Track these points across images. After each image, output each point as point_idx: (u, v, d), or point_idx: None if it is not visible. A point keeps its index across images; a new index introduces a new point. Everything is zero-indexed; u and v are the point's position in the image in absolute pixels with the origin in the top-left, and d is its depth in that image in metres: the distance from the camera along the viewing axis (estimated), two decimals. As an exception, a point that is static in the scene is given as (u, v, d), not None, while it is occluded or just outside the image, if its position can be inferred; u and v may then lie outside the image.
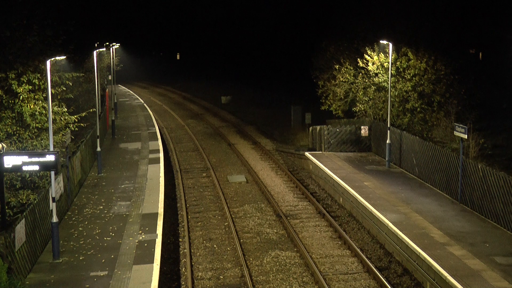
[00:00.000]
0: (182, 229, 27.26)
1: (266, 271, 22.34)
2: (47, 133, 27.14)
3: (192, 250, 24.56)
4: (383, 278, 20.81)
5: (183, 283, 21.56)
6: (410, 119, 37.00)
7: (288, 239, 25.66)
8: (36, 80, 27.33)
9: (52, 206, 21.19)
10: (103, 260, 20.96)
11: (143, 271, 19.86)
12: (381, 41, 35.47)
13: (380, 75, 37.85)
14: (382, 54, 37.58)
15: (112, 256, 21.35)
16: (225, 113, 66.82)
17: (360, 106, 39.78)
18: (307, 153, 38.03)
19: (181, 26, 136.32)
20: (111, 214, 26.43)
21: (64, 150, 27.76)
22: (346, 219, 28.31)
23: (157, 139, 46.13)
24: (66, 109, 29.81)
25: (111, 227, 24.54)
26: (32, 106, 27.10)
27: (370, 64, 38.27)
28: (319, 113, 47.57)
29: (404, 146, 33.12)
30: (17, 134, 27.36)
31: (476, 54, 56.94)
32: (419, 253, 21.19)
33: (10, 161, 19.67)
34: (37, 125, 27.47)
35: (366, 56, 38.39)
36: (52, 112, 23.33)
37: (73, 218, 25.89)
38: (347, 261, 23.02)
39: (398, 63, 37.11)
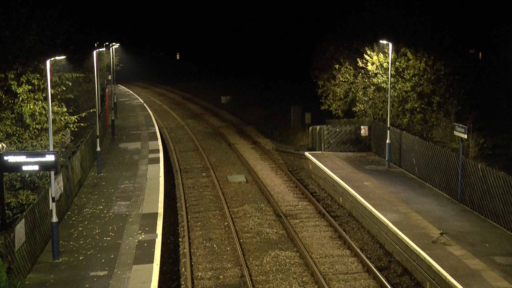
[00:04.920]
0: (182, 229, 27.26)
1: (266, 271, 22.34)
2: (47, 133, 27.13)
3: (192, 250, 24.56)
4: (383, 278, 20.81)
5: (183, 283, 21.56)
6: (409, 119, 37.00)
7: (288, 239, 25.66)
8: (36, 80, 27.31)
9: (52, 206, 21.19)
10: (103, 260, 20.96)
11: (143, 271, 19.86)
12: (380, 41, 35.48)
13: (380, 75, 37.84)
14: (382, 54, 37.57)
15: (112, 256, 21.35)
16: (225, 113, 66.83)
17: (360, 106, 39.78)
18: (307, 153, 38.03)
19: (181, 26, 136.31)
20: (111, 214, 26.43)
21: (64, 150, 27.76)
22: (346, 219, 28.31)
23: (156, 139, 46.13)
24: (66, 109, 29.79)
25: (111, 227, 24.55)
26: (31, 107, 27.08)
27: (369, 64, 38.27)
28: (319, 113, 47.56)
29: (404, 146, 33.12)
30: (17, 134, 27.34)
31: (476, 54, 56.95)
32: (419, 253, 21.19)
33: (10, 161, 19.67)
34: (37, 125, 27.44)
35: (366, 56, 38.38)
36: (52, 112, 23.33)
37: (73, 218, 25.90)
38: (347, 261, 23.02)
39: (397, 63, 37.10)
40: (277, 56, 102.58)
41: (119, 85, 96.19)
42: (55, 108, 28.34)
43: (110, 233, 23.80)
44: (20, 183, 26.81)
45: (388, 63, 35.64)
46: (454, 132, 26.71)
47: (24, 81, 27.04)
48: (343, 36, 43.75)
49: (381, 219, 24.90)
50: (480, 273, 19.38)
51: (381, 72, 37.78)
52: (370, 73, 38.65)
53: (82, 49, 45.26)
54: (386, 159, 34.00)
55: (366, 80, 39.42)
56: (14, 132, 27.28)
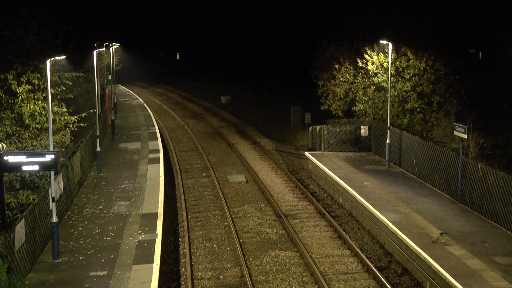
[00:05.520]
0: (182, 229, 27.26)
1: (266, 271, 22.33)
2: (47, 133, 27.11)
3: (192, 250, 24.56)
4: (383, 278, 20.81)
5: (183, 283, 21.56)
6: (410, 119, 37.00)
7: (288, 239, 25.65)
8: (36, 80, 27.29)
9: (52, 206, 21.19)
10: (103, 260, 20.96)
11: (143, 271, 19.86)
12: (380, 41, 35.47)
13: (380, 75, 37.85)
14: (382, 54, 37.58)
15: (112, 256, 21.35)
16: (225, 113, 66.81)
17: (360, 106, 39.78)
18: (307, 153, 38.03)
19: (181, 26, 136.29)
20: (111, 214, 26.43)
21: (64, 150, 27.76)
22: (346, 219, 28.31)
23: (156, 139, 46.12)
24: (65, 109, 29.79)
25: (111, 227, 24.54)
26: (31, 106, 27.07)
27: (369, 64, 38.27)
28: (319, 113, 47.56)
29: (404, 146, 33.11)
30: (17, 134, 27.33)
31: (476, 54, 56.98)
32: (419, 253, 21.18)
33: (10, 161, 19.66)
34: (37, 125, 27.43)
35: (366, 56, 38.38)
36: (52, 112, 23.30)
37: (73, 218, 25.89)
38: (347, 261, 23.02)
39: (397, 63, 37.11)
40: (277, 56, 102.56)
41: (119, 85, 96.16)
42: (55, 108, 28.33)
43: (110, 233, 23.80)
44: (20, 183, 26.79)
45: (388, 63, 35.64)
46: (454, 132, 26.71)
47: (24, 81, 27.01)
48: (343, 36, 43.76)
49: (381, 219, 24.90)
50: (480, 273, 19.38)
51: (381, 71, 37.78)
52: (370, 73, 38.65)
53: (82, 49, 45.23)
54: (386, 159, 33.99)
55: (366, 80, 39.42)
56: (14, 132, 27.26)
